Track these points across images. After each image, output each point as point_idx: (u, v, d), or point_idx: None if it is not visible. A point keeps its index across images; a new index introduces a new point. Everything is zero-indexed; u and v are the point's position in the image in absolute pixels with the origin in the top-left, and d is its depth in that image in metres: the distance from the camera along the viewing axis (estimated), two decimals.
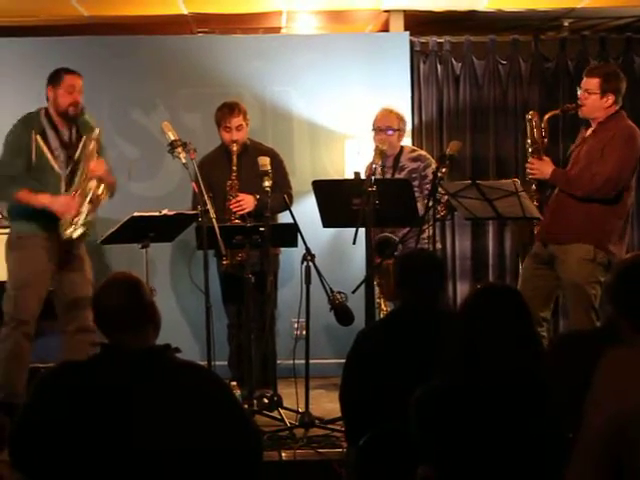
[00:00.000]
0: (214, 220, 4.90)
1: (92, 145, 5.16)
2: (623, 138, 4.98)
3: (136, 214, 4.97)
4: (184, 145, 4.99)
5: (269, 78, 6.45)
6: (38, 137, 5.12)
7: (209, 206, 4.92)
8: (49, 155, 5.11)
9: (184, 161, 4.97)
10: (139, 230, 4.99)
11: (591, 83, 5.02)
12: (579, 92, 5.10)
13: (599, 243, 4.99)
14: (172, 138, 5.02)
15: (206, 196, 4.94)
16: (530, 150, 5.17)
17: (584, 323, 4.94)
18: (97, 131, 5.18)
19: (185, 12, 6.50)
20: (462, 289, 6.60)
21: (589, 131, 5.12)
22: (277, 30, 7.13)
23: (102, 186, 5.15)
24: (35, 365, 5.81)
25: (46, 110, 5.20)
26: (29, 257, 5.12)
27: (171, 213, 5.02)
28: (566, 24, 6.89)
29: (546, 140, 5.19)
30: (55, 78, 5.18)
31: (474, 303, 2.82)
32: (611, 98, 5.01)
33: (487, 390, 2.68)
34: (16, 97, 6.32)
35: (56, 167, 5.12)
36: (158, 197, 5.85)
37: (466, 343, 2.73)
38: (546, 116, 5.18)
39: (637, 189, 6.65)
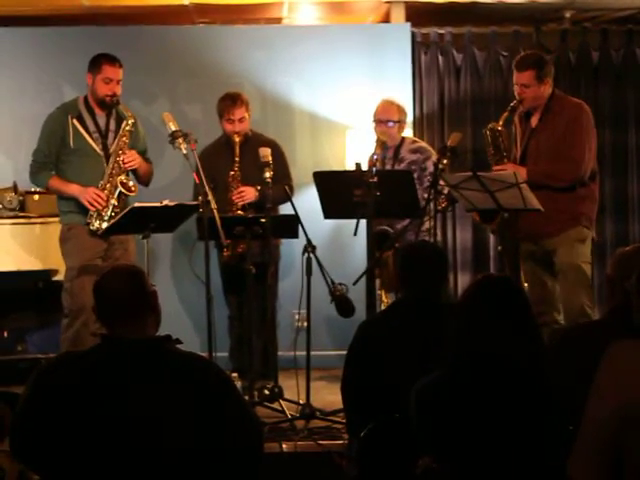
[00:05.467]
0: (215, 211, 4.90)
1: (124, 137, 5.20)
2: (578, 120, 5.04)
3: (137, 205, 4.96)
4: (185, 136, 4.99)
5: (270, 69, 6.43)
6: (74, 121, 5.20)
7: (210, 197, 4.91)
8: (88, 138, 5.19)
9: (185, 152, 4.97)
10: (140, 221, 4.98)
11: (525, 77, 5.03)
12: (515, 87, 5.08)
13: (587, 224, 5.10)
14: (173, 129, 5.02)
15: (207, 187, 4.93)
16: (496, 159, 5.15)
17: (580, 304, 4.98)
18: (131, 122, 5.20)
19: (186, 2, 6.48)
20: (463, 281, 6.59)
21: (534, 119, 5.13)
22: (278, 21, 7.11)
23: (132, 181, 5.22)
24: (36, 356, 5.84)
25: (85, 97, 5.27)
26: (78, 246, 5.18)
27: (172, 204, 5.01)
28: (567, 16, 6.86)
29: (506, 143, 5.18)
30: (95, 65, 5.22)
31: (472, 294, 2.82)
32: (548, 83, 5.06)
33: (486, 380, 2.68)
34: (15, 87, 6.32)
35: (97, 149, 5.19)
36: (159, 188, 5.83)
37: (465, 333, 2.73)
38: (500, 122, 5.12)
39: (634, 182, 6.68)
